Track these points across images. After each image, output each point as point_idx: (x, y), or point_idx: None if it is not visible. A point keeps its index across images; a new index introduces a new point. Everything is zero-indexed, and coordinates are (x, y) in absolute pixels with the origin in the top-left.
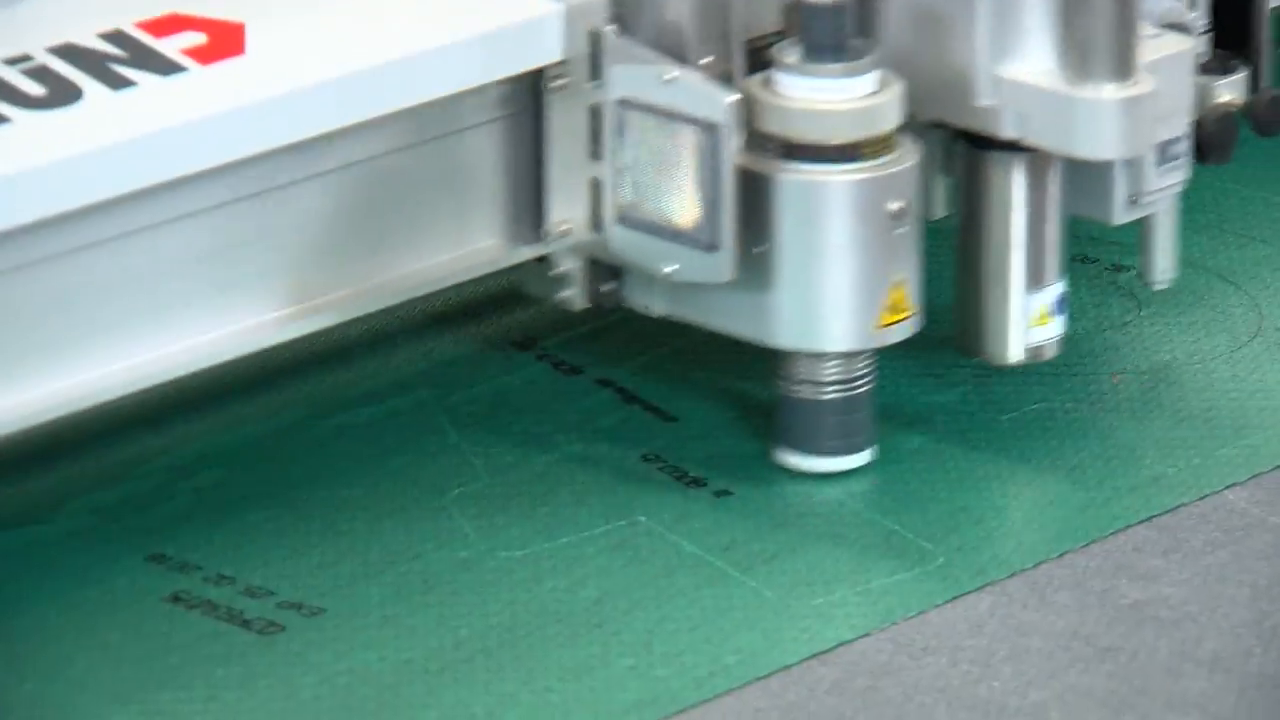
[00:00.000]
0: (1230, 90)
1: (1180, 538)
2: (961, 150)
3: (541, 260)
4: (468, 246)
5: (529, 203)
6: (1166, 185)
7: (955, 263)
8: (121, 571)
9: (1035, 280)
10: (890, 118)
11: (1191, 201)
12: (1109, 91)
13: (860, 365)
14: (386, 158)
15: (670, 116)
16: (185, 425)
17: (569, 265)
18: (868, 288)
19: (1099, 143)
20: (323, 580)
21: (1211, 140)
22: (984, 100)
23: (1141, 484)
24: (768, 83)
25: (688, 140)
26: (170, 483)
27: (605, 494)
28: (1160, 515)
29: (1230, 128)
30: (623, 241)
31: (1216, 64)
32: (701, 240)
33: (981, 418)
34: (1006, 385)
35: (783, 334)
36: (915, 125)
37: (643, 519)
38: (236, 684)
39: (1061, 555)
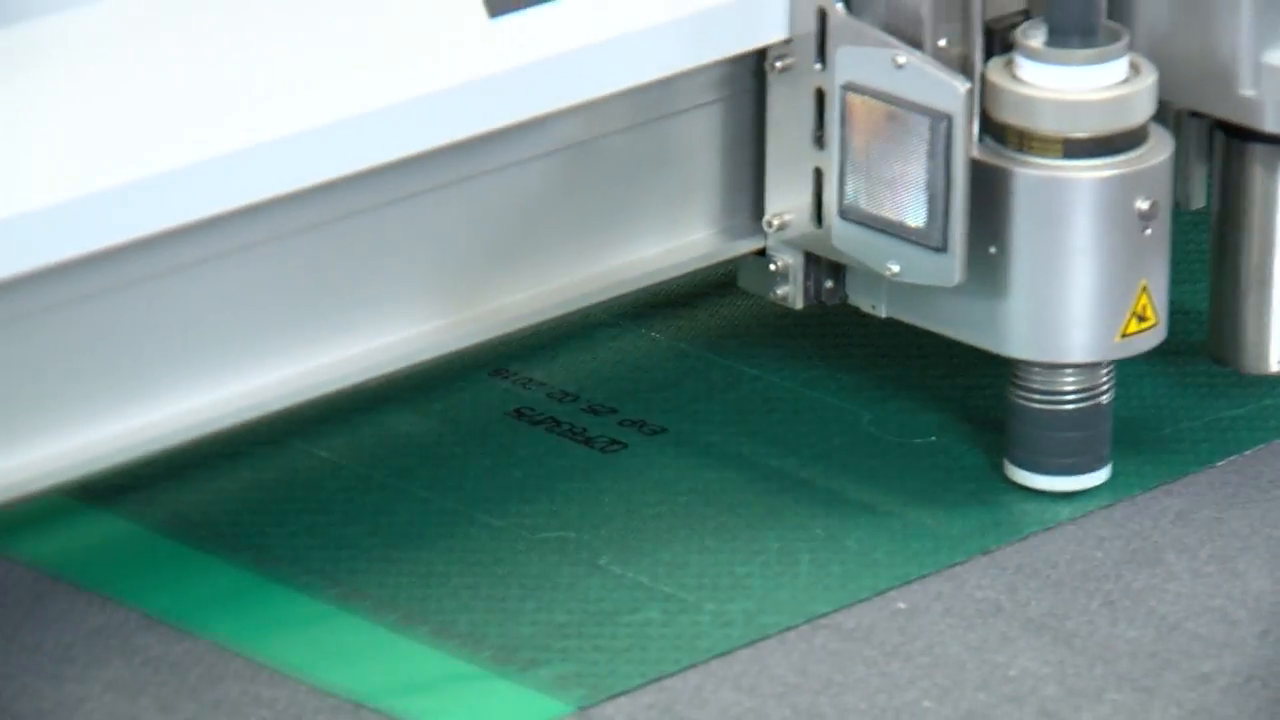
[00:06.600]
0: None
1: None
2: (1220, 141)
3: (760, 254)
4: (681, 239)
5: (746, 192)
6: None
7: (1209, 263)
8: (466, 386)
9: None
10: (1142, 109)
11: None
12: None
13: (1101, 377)
14: (596, 142)
15: (899, 104)
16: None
17: (787, 260)
18: (1112, 294)
19: None
20: (664, 399)
21: None
22: (1246, 90)
23: None
24: (1008, 67)
25: (917, 131)
26: None
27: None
28: None
29: None
30: (844, 237)
31: None
32: (929, 240)
33: None
34: None
35: (1016, 343)
36: (1167, 112)
37: None
38: (580, 498)
39: None
